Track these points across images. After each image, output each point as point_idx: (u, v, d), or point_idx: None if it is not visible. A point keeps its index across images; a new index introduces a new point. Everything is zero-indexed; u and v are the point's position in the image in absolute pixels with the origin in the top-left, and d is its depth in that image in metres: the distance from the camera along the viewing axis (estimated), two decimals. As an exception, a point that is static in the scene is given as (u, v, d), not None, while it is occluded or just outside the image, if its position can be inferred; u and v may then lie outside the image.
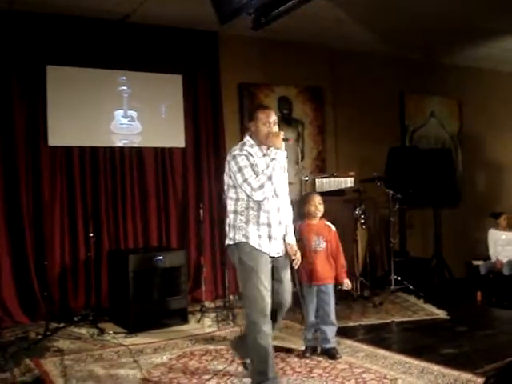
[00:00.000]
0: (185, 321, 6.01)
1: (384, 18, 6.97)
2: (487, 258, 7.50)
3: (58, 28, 6.40)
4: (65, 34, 6.44)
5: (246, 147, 3.99)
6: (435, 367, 4.43)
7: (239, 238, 3.94)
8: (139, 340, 5.44)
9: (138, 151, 6.90)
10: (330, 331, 4.79)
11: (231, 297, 6.83)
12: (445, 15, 6.86)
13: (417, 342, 5.23)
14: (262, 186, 3.82)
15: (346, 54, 8.12)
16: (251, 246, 3.90)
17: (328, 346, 4.77)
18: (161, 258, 5.95)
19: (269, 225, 3.95)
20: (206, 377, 4.37)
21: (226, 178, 4.04)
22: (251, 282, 3.87)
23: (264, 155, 3.98)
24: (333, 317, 4.81)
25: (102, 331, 5.67)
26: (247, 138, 4.09)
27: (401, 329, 5.78)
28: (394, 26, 7.25)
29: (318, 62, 8.03)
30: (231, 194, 3.99)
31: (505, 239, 7.35)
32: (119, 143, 6.80)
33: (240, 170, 3.88)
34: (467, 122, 9.54)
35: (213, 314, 6.24)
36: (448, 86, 9.11)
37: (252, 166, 3.89)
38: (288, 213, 4.19)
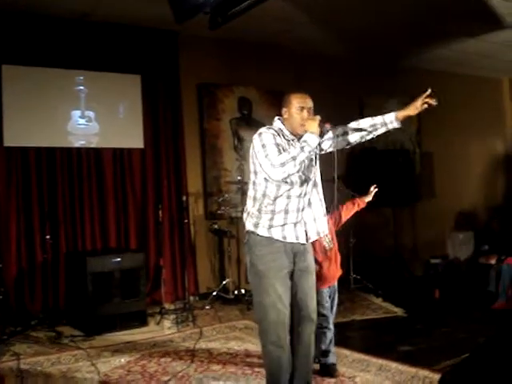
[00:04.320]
0: (144, 323, 5.96)
1: (343, 20, 7.01)
2: (445, 256, 7.63)
3: (14, 26, 6.27)
4: (21, 33, 6.31)
5: (273, 127, 3.65)
6: (393, 364, 4.49)
7: (249, 226, 3.62)
8: (97, 343, 5.38)
9: (96, 152, 6.81)
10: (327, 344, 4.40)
11: (191, 298, 6.82)
12: (403, 18, 6.96)
13: (375, 339, 5.29)
14: (283, 165, 3.36)
15: (306, 56, 8.15)
16: (261, 235, 3.56)
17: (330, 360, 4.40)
18: (119, 259, 5.90)
19: (286, 211, 3.55)
20: (165, 378, 4.35)
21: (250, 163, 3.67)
22: (262, 288, 3.56)
23: (293, 140, 3.60)
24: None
25: (59, 334, 5.60)
26: (277, 122, 3.71)
27: (360, 327, 5.84)
28: (354, 28, 7.30)
29: (278, 64, 8.01)
30: (252, 178, 3.64)
31: (462, 238, 7.48)
32: (76, 144, 6.70)
33: (263, 146, 3.47)
34: (425, 123, 9.66)
35: (172, 316, 6.21)
36: (406, 87, 9.16)
37: (278, 145, 3.47)
38: (318, 203, 3.72)
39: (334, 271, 4.38)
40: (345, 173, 7.97)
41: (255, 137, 3.57)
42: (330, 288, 4.39)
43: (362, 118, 3.76)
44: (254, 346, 5.03)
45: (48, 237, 6.18)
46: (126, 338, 5.53)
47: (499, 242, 7.50)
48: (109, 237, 6.81)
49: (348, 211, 4.53)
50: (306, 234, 3.65)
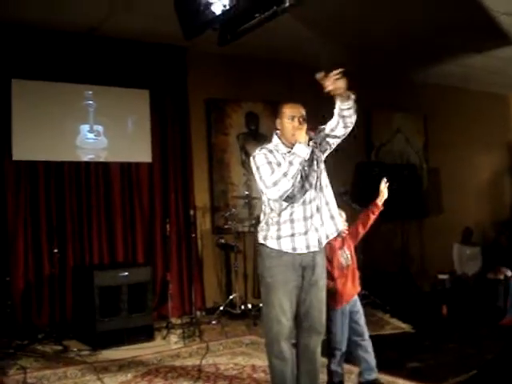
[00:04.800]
0: (150, 337, 5.95)
1: (351, 35, 7.05)
2: (453, 272, 7.59)
3: (24, 41, 6.33)
4: (30, 47, 6.37)
5: (267, 145, 3.70)
6: (401, 381, 4.47)
7: (260, 239, 3.67)
8: (104, 357, 5.38)
9: (104, 166, 6.84)
10: (372, 358, 4.29)
11: (198, 313, 6.81)
12: (411, 34, 6.99)
13: (383, 356, 5.24)
14: (275, 184, 3.43)
15: (314, 70, 8.15)
16: (270, 247, 3.60)
17: (373, 376, 4.28)
18: (126, 273, 5.90)
19: (291, 221, 3.57)
20: (172, 394, 4.34)
21: None
22: (269, 301, 3.62)
23: (289, 152, 3.59)
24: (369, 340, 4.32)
25: (66, 348, 5.59)
26: (274, 138, 3.76)
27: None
28: (361, 43, 7.34)
29: (286, 79, 8.05)
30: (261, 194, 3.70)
31: (469, 253, 7.45)
32: (85, 158, 6.73)
33: (258, 169, 3.57)
34: (432, 137, 9.67)
35: (179, 331, 6.18)
36: (414, 102, 9.23)
37: (270, 163, 3.54)
38: (325, 207, 3.69)
39: (351, 289, 4.24)
40: (351, 187, 7.98)
41: (251, 159, 3.66)
42: (346, 305, 4.22)
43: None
44: (260, 361, 5.00)
45: (56, 250, 6.18)
46: (133, 352, 5.51)
47: (507, 257, 7.46)
48: (116, 251, 6.82)
49: (364, 222, 4.41)
50: (319, 241, 3.64)
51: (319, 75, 3.52)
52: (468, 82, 9.63)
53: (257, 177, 3.58)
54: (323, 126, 3.66)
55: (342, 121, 3.59)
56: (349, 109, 3.54)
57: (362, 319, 4.30)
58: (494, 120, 10.51)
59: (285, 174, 3.43)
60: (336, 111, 3.60)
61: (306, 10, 5.40)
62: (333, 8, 6.06)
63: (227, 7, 4.09)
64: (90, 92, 6.77)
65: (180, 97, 7.34)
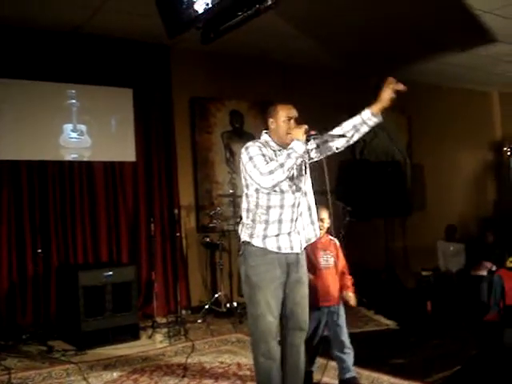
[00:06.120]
0: (136, 337, 5.93)
1: (332, 34, 7.07)
2: (436, 268, 7.64)
3: (5, 39, 6.27)
4: (12, 46, 6.31)
5: (259, 140, 3.72)
6: (385, 377, 4.50)
7: (244, 236, 3.67)
8: (89, 357, 5.35)
9: (88, 165, 6.80)
10: (350, 358, 4.35)
11: (183, 312, 6.81)
12: (393, 32, 7.03)
13: (367, 352, 5.27)
14: (271, 172, 3.42)
15: (296, 68, 8.20)
16: (256, 246, 3.60)
17: (349, 375, 4.34)
18: (111, 273, 5.88)
19: (279, 221, 3.58)
20: (157, 393, 4.34)
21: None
22: (254, 299, 3.60)
23: (280, 150, 3.64)
24: (348, 341, 4.38)
25: (50, 348, 5.56)
26: (264, 135, 3.76)
27: (352, 340, 5.78)
28: (345, 41, 7.37)
29: (270, 77, 8.07)
30: (244, 191, 3.71)
31: (453, 250, 7.50)
32: (68, 157, 6.70)
33: (251, 158, 3.55)
34: (416, 135, 9.73)
35: (164, 330, 6.18)
36: (397, 100, 9.26)
37: (264, 155, 3.55)
38: (306, 213, 3.72)
39: (330, 293, 4.29)
40: (335, 185, 8.00)
41: (242, 151, 3.64)
42: (325, 308, 4.30)
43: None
44: (246, 359, 5.02)
45: (39, 250, 6.16)
46: (118, 352, 5.50)
47: (491, 253, 7.52)
48: (100, 250, 6.79)
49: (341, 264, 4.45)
50: (301, 243, 3.67)
51: (394, 81, 3.63)
52: (451, 79, 9.70)
53: (249, 166, 3.55)
54: (324, 133, 3.67)
55: (353, 133, 3.68)
56: (371, 126, 3.66)
57: (341, 320, 4.35)
58: (477, 117, 10.60)
59: (281, 165, 3.44)
60: (355, 121, 3.68)
61: (288, 8, 5.43)
62: (319, 7, 6.07)
63: (209, 5, 4.09)
64: (73, 91, 6.73)
65: (164, 95, 7.32)
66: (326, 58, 8.05)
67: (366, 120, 3.66)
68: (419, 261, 8.78)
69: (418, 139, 9.74)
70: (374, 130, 9.26)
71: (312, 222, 3.76)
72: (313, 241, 3.81)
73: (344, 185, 8.10)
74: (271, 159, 3.55)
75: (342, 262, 4.46)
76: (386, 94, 3.62)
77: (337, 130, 3.73)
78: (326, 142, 3.75)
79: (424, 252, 8.73)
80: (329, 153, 3.81)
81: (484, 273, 7.16)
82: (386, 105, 3.62)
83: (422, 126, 9.69)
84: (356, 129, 3.69)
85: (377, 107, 3.64)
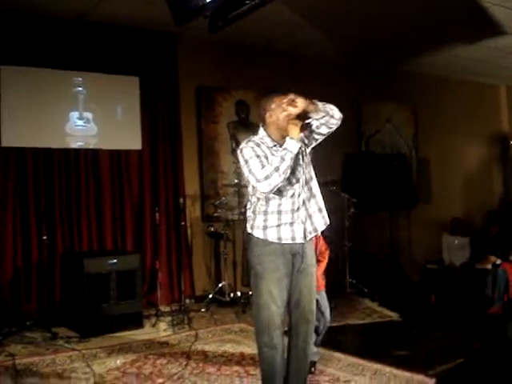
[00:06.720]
0: (139, 325, 5.94)
1: (342, 24, 7.04)
2: (441, 261, 7.63)
3: (12, 27, 6.26)
4: (19, 33, 6.30)
5: (253, 138, 3.65)
6: (387, 369, 4.49)
7: (248, 228, 3.68)
8: (93, 344, 5.37)
9: (94, 153, 6.80)
10: (318, 341, 4.46)
11: (187, 300, 6.82)
12: (401, 23, 6.99)
13: (370, 344, 5.29)
14: (267, 177, 3.39)
15: (303, 58, 8.17)
16: (257, 237, 3.60)
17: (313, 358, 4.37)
18: (115, 261, 5.89)
19: (279, 212, 3.56)
20: (160, 380, 4.35)
21: None
22: (258, 289, 3.61)
23: (275, 146, 3.60)
24: (326, 327, 4.50)
25: (54, 335, 5.58)
26: (260, 130, 3.69)
27: (355, 331, 5.84)
28: (352, 32, 7.34)
29: (276, 67, 8.03)
30: (247, 184, 3.70)
31: (458, 244, 7.49)
32: (74, 145, 6.70)
33: (246, 162, 3.51)
34: (422, 127, 9.69)
35: (168, 318, 6.20)
36: (404, 92, 9.24)
37: (259, 157, 3.50)
38: (312, 200, 3.69)
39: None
40: (341, 177, 8.00)
41: (238, 153, 3.61)
42: None
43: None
44: (249, 348, 5.03)
45: (45, 237, 6.17)
46: (122, 339, 5.52)
47: (496, 246, 7.50)
48: (105, 238, 6.80)
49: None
50: (305, 233, 3.63)
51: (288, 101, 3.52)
52: (459, 72, 9.65)
53: (245, 170, 3.53)
54: (308, 121, 3.60)
55: (324, 124, 3.60)
56: (323, 117, 3.55)
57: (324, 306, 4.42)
58: (484, 110, 10.55)
59: (276, 169, 3.40)
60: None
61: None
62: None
63: (217, -7, 4.08)
64: (80, 79, 6.72)
65: (170, 84, 7.31)
66: (332, 48, 8.02)
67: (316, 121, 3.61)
68: (424, 253, 8.78)
69: (425, 132, 9.70)
70: (380, 123, 9.24)
71: (320, 210, 3.70)
72: (321, 229, 3.76)
73: (349, 177, 8.09)
74: (267, 157, 3.51)
75: (323, 251, 4.50)
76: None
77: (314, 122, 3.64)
78: (316, 129, 3.65)
79: (429, 245, 8.73)
80: (321, 139, 3.73)
81: (489, 266, 7.14)
82: (306, 116, 3.54)
83: (428, 118, 9.65)
84: (321, 123, 3.61)
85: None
